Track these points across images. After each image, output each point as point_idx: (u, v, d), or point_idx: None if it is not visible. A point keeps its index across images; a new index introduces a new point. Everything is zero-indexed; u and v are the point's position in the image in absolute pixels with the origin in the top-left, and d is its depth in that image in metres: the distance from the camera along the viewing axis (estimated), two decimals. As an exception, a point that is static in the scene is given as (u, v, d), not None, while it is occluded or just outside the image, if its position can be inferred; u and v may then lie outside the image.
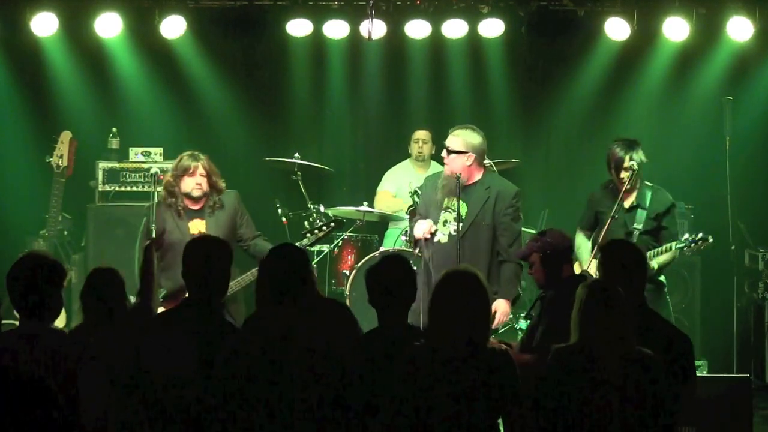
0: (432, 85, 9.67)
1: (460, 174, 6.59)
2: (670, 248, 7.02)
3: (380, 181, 9.11)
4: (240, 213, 6.88)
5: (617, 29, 8.56)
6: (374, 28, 8.18)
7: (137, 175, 8.73)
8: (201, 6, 8.66)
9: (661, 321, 4.77)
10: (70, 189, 8.42)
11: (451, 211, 6.65)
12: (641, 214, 7.08)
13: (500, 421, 4.21)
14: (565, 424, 4.15)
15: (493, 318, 6.16)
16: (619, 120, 9.39)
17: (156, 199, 6.79)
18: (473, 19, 8.66)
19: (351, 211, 8.29)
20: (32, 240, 8.26)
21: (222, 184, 6.84)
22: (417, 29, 8.74)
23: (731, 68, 9.01)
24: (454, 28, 8.73)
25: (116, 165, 8.80)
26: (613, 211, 6.92)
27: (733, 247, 8.55)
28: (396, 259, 4.70)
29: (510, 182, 6.93)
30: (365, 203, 8.33)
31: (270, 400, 4.08)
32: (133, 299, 5.23)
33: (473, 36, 8.83)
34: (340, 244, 8.38)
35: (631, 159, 7.00)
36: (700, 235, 7.02)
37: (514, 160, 8.72)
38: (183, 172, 6.75)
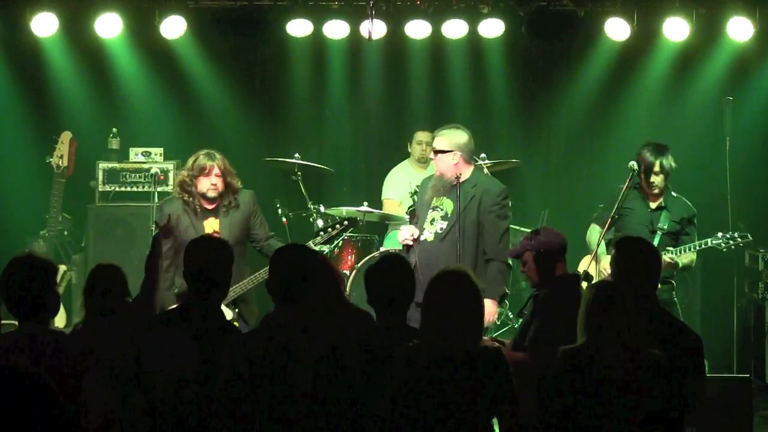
0: (432, 85, 9.67)
1: (445, 174, 6.65)
2: (704, 245, 7.19)
3: (381, 183, 9.10)
4: (254, 213, 6.86)
5: (617, 29, 8.56)
6: (374, 29, 8.19)
7: (137, 175, 8.74)
8: (201, 6, 8.66)
9: (672, 320, 4.76)
10: (70, 189, 8.42)
11: (439, 209, 6.71)
12: (666, 215, 7.19)
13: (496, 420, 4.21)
14: (572, 425, 4.14)
15: None
16: (619, 120, 9.40)
17: (156, 199, 6.81)
18: (473, 19, 8.66)
19: (351, 211, 8.29)
20: (32, 240, 8.26)
21: (238, 184, 6.82)
22: (417, 29, 8.74)
23: (731, 68, 9.01)
24: (454, 29, 8.73)
25: (116, 165, 8.80)
26: (613, 211, 6.97)
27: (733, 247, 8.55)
28: (396, 259, 4.71)
29: (498, 181, 6.95)
30: (365, 203, 8.33)
31: (270, 400, 4.08)
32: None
33: (473, 36, 8.82)
34: (340, 244, 8.38)
35: (661, 165, 7.10)
36: (739, 234, 7.25)
37: (514, 160, 8.72)
38: (199, 171, 6.70)
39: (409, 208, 7.57)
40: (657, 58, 9.11)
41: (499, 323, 8.53)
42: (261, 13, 8.53)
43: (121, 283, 4.94)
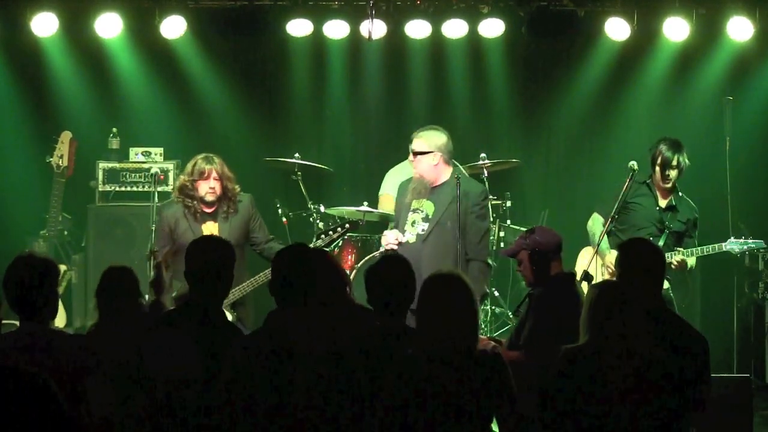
0: (432, 85, 9.66)
1: (424, 176, 6.71)
2: (717, 248, 7.30)
3: (380, 182, 9.10)
4: (253, 217, 6.91)
5: (617, 29, 8.57)
6: (374, 28, 8.18)
7: (137, 175, 8.74)
8: (201, 6, 8.66)
9: (678, 321, 4.76)
10: (70, 189, 8.42)
11: (419, 211, 6.74)
12: (675, 215, 7.24)
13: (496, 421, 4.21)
14: (573, 425, 4.14)
15: None
16: (619, 120, 9.40)
17: (156, 199, 6.83)
18: (473, 19, 8.66)
19: (351, 211, 8.29)
20: (32, 240, 8.26)
21: (236, 189, 6.86)
22: (417, 29, 8.74)
23: (731, 68, 9.01)
24: (454, 28, 8.73)
25: (116, 165, 8.80)
26: (614, 211, 6.97)
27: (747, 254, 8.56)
28: (396, 260, 4.71)
29: (477, 182, 7.00)
30: (365, 203, 8.32)
31: (272, 401, 4.08)
32: (147, 297, 5.28)
33: (473, 36, 8.82)
34: (340, 244, 8.38)
35: (678, 160, 7.15)
36: (754, 241, 7.48)
37: (514, 160, 8.71)
38: (198, 175, 6.75)
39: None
40: (657, 58, 9.11)
41: (498, 323, 8.55)
42: (261, 13, 8.53)
43: (133, 284, 4.99)
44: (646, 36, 8.74)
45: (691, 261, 7.23)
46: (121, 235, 8.52)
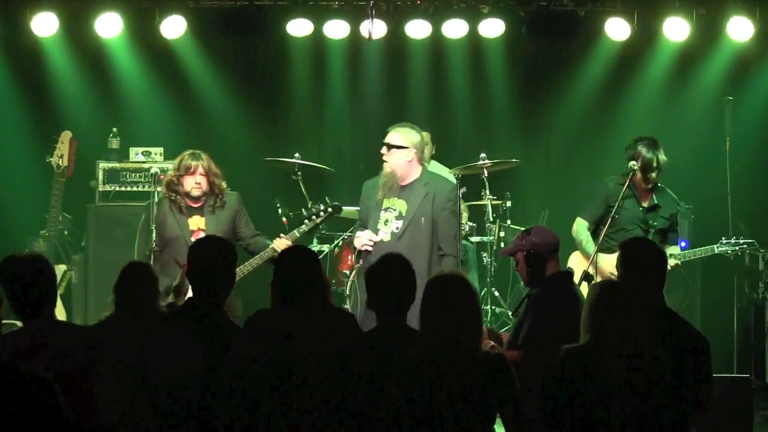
0: (432, 85, 9.67)
1: (396, 171, 6.73)
2: (709, 251, 7.42)
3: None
4: (240, 213, 7.04)
5: (617, 29, 8.57)
6: (374, 28, 8.19)
7: (137, 175, 8.74)
8: (201, 6, 8.66)
9: (679, 321, 4.75)
10: (70, 189, 8.41)
11: (391, 210, 6.77)
12: (659, 212, 7.21)
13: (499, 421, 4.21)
14: (575, 424, 4.14)
15: None
16: (619, 120, 9.40)
17: (156, 198, 6.88)
18: (473, 19, 8.66)
19: (351, 211, 8.28)
20: (32, 240, 8.25)
21: (223, 185, 7.00)
22: (417, 29, 8.74)
23: (731, 68, 9.02)
24: (455, 28, 8.73)
25: (116, 165, 8.80)
26: (614, 211, 6.97)
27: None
28: (396, 260, 4.70)
29: (447, 179, 7.07)
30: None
31: (273, 401, 4.08)
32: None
33: (473, 36, 8.82)
34: (340, 245, 8.38)
35: (658, 160, 7.12)
36: (744, 240, 7.50)
37: (514, 160, 8.70)
38: (185, 171, 6.91)
39: None
40: (657, 58, 9.11)
41: (498, 323, 8.55)
42: (261, 13, 8.54)
43: (152, 283, 5.03)
44: (646, 36, 8.74)
45: (675, 260, 7.22)
46: (121, 235, 8.51)
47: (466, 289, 4.15)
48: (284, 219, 8.37)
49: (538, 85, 9.72)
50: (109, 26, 8.49)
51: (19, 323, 4.42)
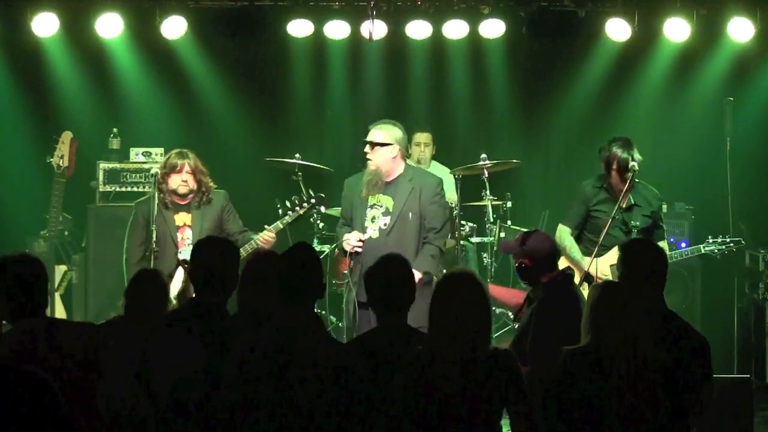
0: (432, 85, 9.68)
1: (381, 168, 6.74)
2: (696, 251, 7.37)
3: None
4: (227, 210, 7.19)
5: (618, 30, 8.57)
6: (375, 29, 8.18)
7: (138, 175, 8.74)
8: (201, 6, 8.66)
9: (679, 322, 4.75)
10: (70, 189, 8.41)
11: (377, 207, 6.80)
12: (638, 211, 7.13)
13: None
14: (576, 425, 4.13)
15: None
16: (619, 120, 9.39)
17: (156, 198, 6.94)
18: (474, 19, 8.66)
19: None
20: (32, 240, 8.25)
21: (210, 183, 7.16)
22: (418, 30, 8.74)
23: (732, 69, 9.02)
24: (455, 29, 8.73)
25: (117, 165, 8.80)
26: (614, 211, 6.94)
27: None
28: (396, 260, 4.70)
29: (430, 172, 7.15)
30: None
31: (274, 401, 4.07)
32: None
33: (474, 37, 8.82)
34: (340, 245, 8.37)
35: (632, 159, 7.04)
36: (731, 239, 7.41)
37: (514, 160, 8.71)
38: (171, 169, 7.06)
39: None
40: (657, 59, 9.11)
41: (498, 323, 8.55)
42: (261, 13, 8.54)
43: (161, 290, 5.08)
44: (646, 36, 8.74)
45: None
46: (121, 235, 8.45)
47: (476, 286, 4.15)
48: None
49: (539, 86, 9.72)
50: (110, 26, 8.49)
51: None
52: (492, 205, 8.41)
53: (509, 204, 8.71)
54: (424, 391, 4.03)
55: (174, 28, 8.59)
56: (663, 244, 7.17)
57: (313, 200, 7.09)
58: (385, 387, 4.13)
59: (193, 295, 4.65)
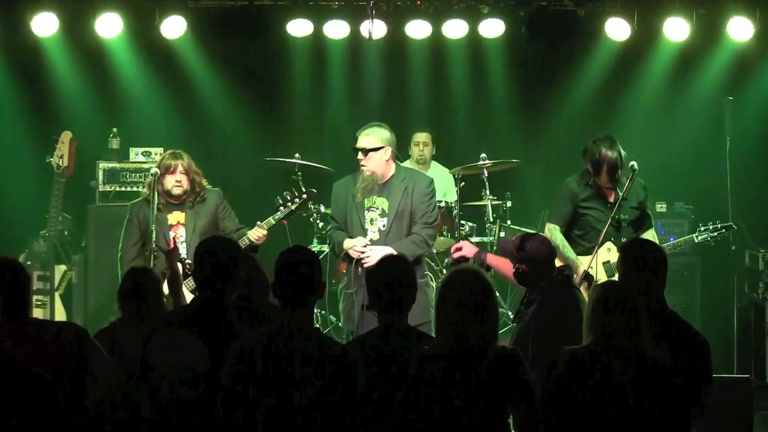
0: (432, 85, 9.68)
1: (376, 172, 6.74)
2: (690, 242, 7.34)
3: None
4: (222, 207, 7.19)
5: (618, 29, 8.57)
6: (374, 29, 8.18)
7: (137, 175, 8.74)
8: (201, 6, 8.66)
9: (680, 321, 4.75)
10: (70, 189, 8.41)
11: (374, 209, 6.80)
12: (627, 205, 7.01)
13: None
14: (577, 425, 4.13)
15: None
16: (619, 120, 9.39)
17: (156, 199, 6.94)
18: (473, 19, 8.66)
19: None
20: (32, 240, 8.25)
21: (204, 183, 7.16)
22: (417, 29, 8.74)
23: (732, 68, 9.01)
24: (455, 29, 8.73)
25: (116, 165, 8.80)
26: (614, 211, 6.89)
27: (733, 247, 8.54)
28: (396, 260, 4.71)
29: (422, 172, 7.16)
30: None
31: (274, 400, 4.07)
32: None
33: (473, 36, 8.83)
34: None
35: (620, 158, 6.95)
36: (721, 223, 7.33)
37: (514, 160, 8.72)
38: (165, 170, 7.05)
39: None
40: (657, 58, 9.11)
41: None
42: (261, 13, 8.54)
43: (155, 287, 5.08)
44: (646, 36, 8.74)
45: None
46: (121, 235, 8.50)
47: (486, 284, 4.16)
48: (284, 220, 8.37)
49: (538, 85, 9.72)
50: (109, 26, 8.49)
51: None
52: (492, 205, 8.42)
53: (509, 204, 8.71)
54: (430, 390, 4.03)
55: (174, 27, 8.59)
56: (651, 232, 7.14)
57: (305, 195, 7.11)
58: (387, 387, 4.13)
59: (184, 287, 4.66)
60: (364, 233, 6.76)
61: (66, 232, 8.65)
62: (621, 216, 6.99)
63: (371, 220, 6.81)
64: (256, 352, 4.10)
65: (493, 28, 8.67)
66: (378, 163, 6.78)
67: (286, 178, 8.65)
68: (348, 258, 6.78)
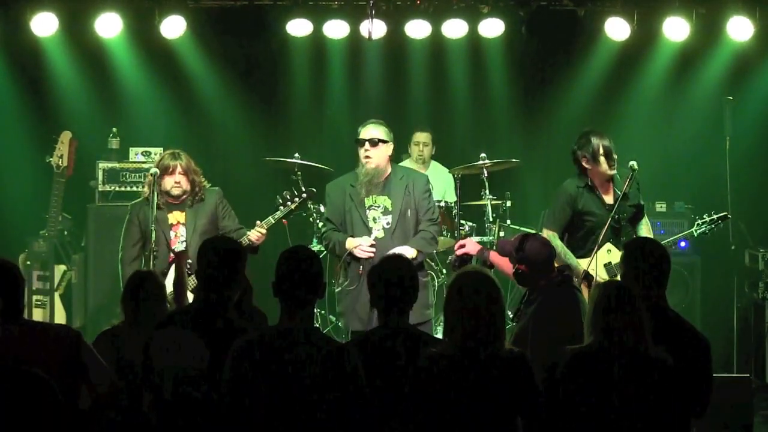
0: (432, 85, 9.68)
1: (380, 166, 6.81)
2: (690, 235, 7.34)
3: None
4: (221, 207, 7.20)
5: (617, 29, 8.56)
6: (374, 28, 8.19)
7: (137, 175, 8.74)
8: (201, 6, 8.66)
9: (680, 321, 4.75)
10: (70, 189, 8.41)
11: (375, 208, 6.84)
12: (624, 203, 7.00)
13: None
14: (580, 425, 4.13)
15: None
16: (618, 120, 9.38)
17: (156, 198, 6.94)
18: (473, 19, 8.66)
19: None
20: (32, 240, 8.26)
21: (203, 183, 7.17)
22: (417, 29, 8.74)
23: (731, 68, 9.01)
24: (454, 28, 8.73)
25: (116, 165, 8.80)
26: (613, 211, 6.87)
27: (733, 247, 8.55)
28: (397, 259, 4.71)
29: (418, 171, 7.29)
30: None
31: (274, 401, 4.08)
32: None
33: (473, 36, 8.82)
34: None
35: (612, 144, 6.96)
36: (717, 214, 7.32)
37: (514, 160, 8.71)
38: (164, 170, 7.06)
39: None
40: (657, 58, 9.11)
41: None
42: (261, 13, 8.54)
43: (158, 290, 5.09)
44: (646, 36, 8.74)
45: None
46: (121, 235, 8.51)
47: (493, 286, 4.16)
48: (284, 219, 8.37)
49: (538, 85, 9.72)
50: (109, 26, 8.49)
51: None
52: (491, 205, 8.40)
53: (509, 203, 8.71)
54: (436, 392, 4.03)
55: (173, 27, 8.58)
56: (645, 220, 7.14)
57: (304, 195, 7.11)
58: (388, 387, 4.13)
59: (188, 286, 4.66)
60: (368, 232, 6.76)
61: (66, 232, 8.65)
62: (621, 215, 6.98)
63: (374, 218, 6.82)
64: (257, 352, 4.10)
65: (492, 27, 8.66)
66: (382, 156, 6.82)
67: (285, 178, 8.65)
68: (352, 257, 6.77)
